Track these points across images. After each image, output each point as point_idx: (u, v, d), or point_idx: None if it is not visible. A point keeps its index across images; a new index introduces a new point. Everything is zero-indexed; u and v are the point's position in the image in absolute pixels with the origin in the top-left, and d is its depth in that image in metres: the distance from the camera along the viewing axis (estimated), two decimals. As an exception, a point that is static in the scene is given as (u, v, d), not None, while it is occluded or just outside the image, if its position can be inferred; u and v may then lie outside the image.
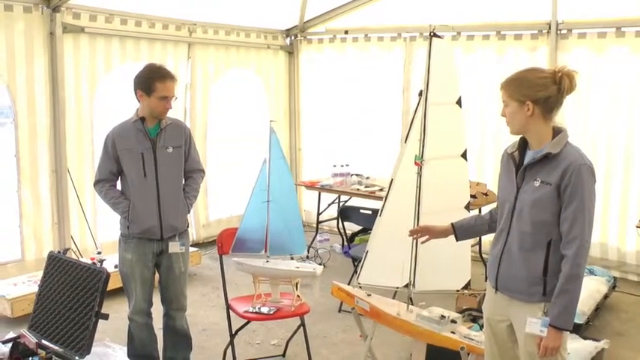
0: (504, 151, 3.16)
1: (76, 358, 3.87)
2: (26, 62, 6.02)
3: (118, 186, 4.29)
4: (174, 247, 4.22)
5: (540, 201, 2.86)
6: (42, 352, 3.91)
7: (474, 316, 4.99)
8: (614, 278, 6.26)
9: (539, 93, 2.83)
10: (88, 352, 3.90)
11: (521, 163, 2.99)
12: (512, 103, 2.90)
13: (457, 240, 3.44)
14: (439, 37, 3.91)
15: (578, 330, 4.93)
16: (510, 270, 3.00)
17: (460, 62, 7.05)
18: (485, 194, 6.45)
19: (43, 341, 4.01)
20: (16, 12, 5.89)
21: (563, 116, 6.83)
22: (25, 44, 5.99)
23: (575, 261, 2.79)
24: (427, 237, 3.49)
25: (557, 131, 2.92)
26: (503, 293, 3.05)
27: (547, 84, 2.83)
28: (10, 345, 3.97)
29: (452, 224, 3.41)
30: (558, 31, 6.85)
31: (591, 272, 6.10)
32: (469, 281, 4.16)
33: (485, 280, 6.26)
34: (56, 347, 3.95)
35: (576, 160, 2.81)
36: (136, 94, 4.10)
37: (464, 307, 5.11)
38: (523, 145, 3.02)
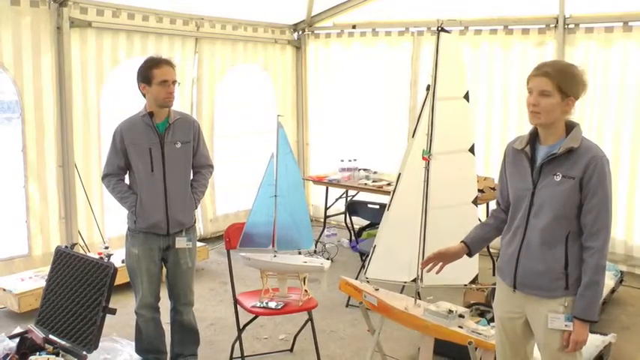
0: (509, 146, 3.16)
1: (84, 352, 3.87)
2: (33, 57, 6.02)
3: (126, 180, 4.30)
4: (180, 242, 4.23)
5: (563, 195, 2.86)
6: (49, 347, 3.90)
7: (481, 310, 4.98)
8: (622, 272, 6.25)
9: (581, 91, 2.91)
10: (96, 347, 3.90)
11: (533, 159, 2.98)
12: (557, 95, 2.86)
13: (471, 256, 3.37)
14: (447, 31, 3.89)
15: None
16: (531, 267, 2.98)
17: (467, 57, 7.04)
18: (493, 189, 6.42)
19: (51, 336, 4.01)
20: (23, 6, 5.88)
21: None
22: (32, 39, 5.99)
23: (602, 252, 2.83)
24: (441, 264, 3.38)
25: (570, 125, 2.94)
26: (522, 291, 3.02)
27: (586, 84, 2.93)
28: (17, 340, 3.98)
29: (464, 241, 3.34)
30: (566, 26, 6.82)
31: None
32: (477, 276, 4.16)
33: (493, 275, 6.28)
34: (63, 342, 3.96)
35: (597, 153, 2.86)
36: (139, 88, 4.13)
37: (471, 302, 5.10)
38: (533, 140, 3.01)
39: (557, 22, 6.83)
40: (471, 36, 7.35)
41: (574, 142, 2.86)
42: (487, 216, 6.39)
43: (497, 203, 3.31)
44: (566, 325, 2.86)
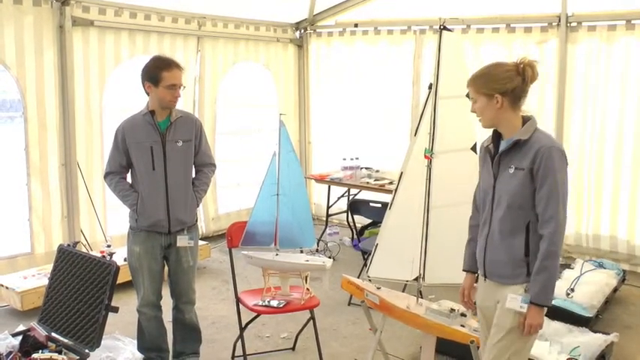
0: (481, 145, 3.26)
1: (86, 350, 3.88)
2: (35, 55, 6.03)
3: (129, 179, 4.30)
4: (182, 240, 4.23)
5: (516, 186, 2.97)
6: (52, 345, 3.92)
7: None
8: (624, 271, 6.24)
9: (505, 85, 2.96)
10: (98, 345, 3.92)
11: (496, 154, 3.09)
12: (481, 98, 3.02)
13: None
14: (449, 30, 3.89)
15: (587, 323, 4.93)
16: (495, 256, 3.10)
17: (469, 55, 7.04)
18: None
19: (53, 334, 4.03)
20: (25, 5, 5.89)
21: (572, 108, 6.84)
22: (35, 37, 6.00)
23: (552, 239, 2.90)
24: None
25: (526, 119, 3.04)
26: (492, 280, 3.14)
27: (512, 76, 2.97)
28: (20, 338, 4.00)
29: (466, 270, 3.39)
30: (568, 24, 6.80)
31: (601, 265, 6.09)
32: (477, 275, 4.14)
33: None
34: (66, 340, 3.97)
35: (546, 143, 2.93)
36: (143, 86, 4.11)
37: (473, 301, 5.09)
38: (497, 137, 3.11)
39: (559, 21, 6.82)
40: (473, 34, 7.34)
41: (522, 135, 2.97)
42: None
43: (475, 207, 3.37)
44: (521, 307, 2.95)
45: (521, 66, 2.96)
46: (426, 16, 7.49)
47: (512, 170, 2.99)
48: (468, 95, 3.94)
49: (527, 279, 2.97)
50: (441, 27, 3.86)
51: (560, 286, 5.33)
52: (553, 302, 4.86)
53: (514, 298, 2.97)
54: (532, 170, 2.92)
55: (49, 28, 6.10)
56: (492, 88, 2.97)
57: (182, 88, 4.14)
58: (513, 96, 2.97)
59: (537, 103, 6.89)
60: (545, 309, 2.96)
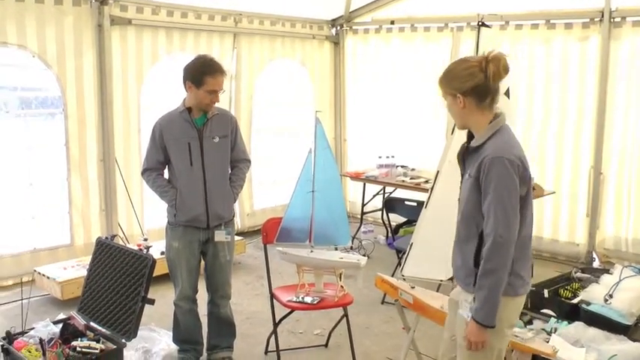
0: None
1: (123, 340, 3.95)
2: (75, 54, 6.16)
3: (166, 174, 4.34)
4: (219, 235, 4.26)
5: (467, 193, 2.85)
6: (90, 334, 4.01)
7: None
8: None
9: (465, 84, 2.80)
10: (135, 336, 3.98)
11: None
12: (447, 97, 2.90)
13: None
14: (487, 26, 3.86)
15: (626, 331, 4.79)
16: (453, 259, 3.03)
17: (508, 52, 6.94)
18: (532, 188, 6.31)
19: (92, 323, 4.11)
20: (65, 6, 6.03)
21: (613, 108, 6.68)
22: (75, 37, 6.14)
23: (487, 256, 2.72)
24: None
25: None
26: (456, 281, 3.06)
27: (473, 73, 2.79)
28: (60, 325, 4.08)
29: None
30: (611, 19, 6.62)
31: (640, 272, 5.95)
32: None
33: (531, 276, 6.18)
34: (104, 329, 4.05)
35: (492, 152, 2.74)
36: (184, 84, 4.13)
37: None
38: (469, 139, 2.96)
39: (602, 16, 6.64)
40: (511, 31, 7.21)
41: (477, 140, 2.84)
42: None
43: None
44: (467, 315, 2.83)
45: (486, 61, 2.77)
46: (464, 13, 7.39)
47: (467, 176, 2.87)
48: (506, 93, 3.94)
49: (474, 289, 2.83)
50: (479, 23, 3.82)
51: (599, 292, 5.20)
52: (591, 308, 4.83)
53: (465, 306, 2.87)
54: (478, 179, 2.77)
55: (88, 27, 6.22)
56: (453, 87, 2.85)
57: (222, 92, 4.17)
58: (476, 95, 2.80)
59: (577, 103, 6.78)
60: (487, 328, 2.75)
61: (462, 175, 2.96)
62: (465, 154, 2.93)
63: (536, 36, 7.12)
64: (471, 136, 2.95)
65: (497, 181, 2.70)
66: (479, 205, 2.79)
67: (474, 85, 2.79)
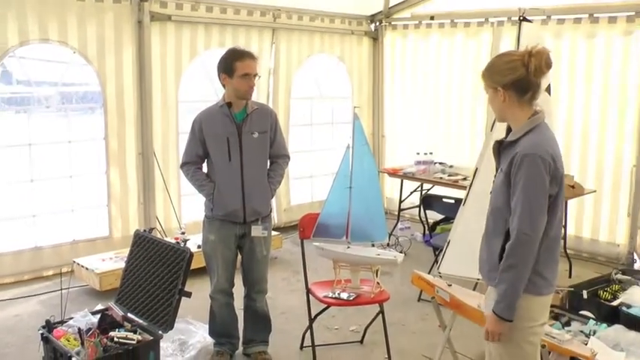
0: None
1: (160, 332, 3.98)
2: (115, 50, 6.26)
3: (204, 169, 4.37)
4: (256, 230, 4.27)
5: (497, 188, 2.87)
6: (128, 325, 4.05)
7: (555, 313, 4.84)
8: None
9: (506, 77, 2.79)
10: (171, 328, 4.02)
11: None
12: (489, 91, 2.90)
13: None
14: (529, 21, 3.78)
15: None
16: (480, 253, 3.02)
17: (550, 48, 6.80)
18: (572, 186, 6.22)
19: (129, 314, 4.15)
20: (106, 3, 6.14)
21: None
22: (115, 33, 6.24)
23: (509, 251, 2.74)
24: None
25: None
26: (480, 274, 3.07)
27: (515, 67, 2.78)
28: (98, 316, 4.14)
29: None
30: (657, 12, 6.41)
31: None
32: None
33: (569, 277, 6.10)
34: (141, 321, 4.09)
35: (525, 148, 2.74)
36: (220, 78, 4.17)
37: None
38: (508, 132, 2.96)
39: (647, 9, 6.43)
40: (553, 25, 7.04)
41: (513, 135, 2.84)
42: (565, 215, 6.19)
43: None
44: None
45: (528, 56, 2.76)
46: (505, 7, 7.26)
47: (499, 170, 2.88)
48: (547, 90, 3.87)
49: None
50: (521, 18, 3.76)
51: (639, 294, 5.10)
52: (631, 311, 4.72)
53: (489, 303, 2.89)
54: (509, 175, 2.77)
55: (128, 23, 6.31)
56: (494, 81, 2.84)
57: (257, 77, 4.18)
58: (517, 89, 2.79)
59: (619, 100, 6.61)
60: (505, 322, 2.78)
61: (496, 169, 2.97)
62: (501, 149, 2.93)
63: (579, 30, 6.94)
64: (509, 131, 2.94)
65: (526, 178, 2.70)
66: (508, 201, 2.80)
67: (515, 78, 2.78)
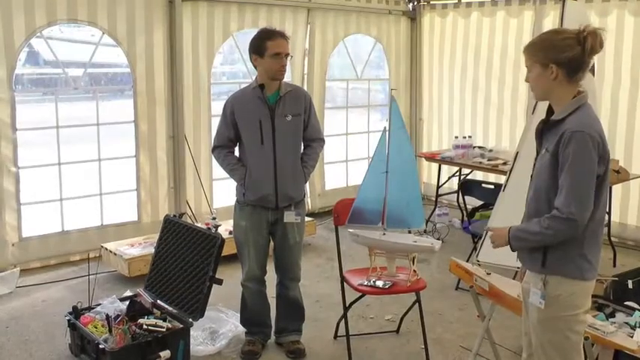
0: None
1: (190, 320, 3.92)
2: (146, 31, 6.18)
3: (236, 152, 4.29)
4: (289, 216, 4.19)
5: (543, 169, 2.79)
6: (157, 312, 4.01)
7: (599, 304, 4.66)
8: None
9: (562, 54, 2.72)
10: (202, 316, 3.97)
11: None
12: (535, 66, 2.80)
13: None
14: (573, -1, 3.58)
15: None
16: None
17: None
18: (617, 171, 5.99)
19: (159, 301, 4.12)
20: (136, -18, 6.05)
21: None
22: (145, 13, 6.16)
23: (544, 223, 2.69)
24: None
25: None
26: (519, 259, 3.00)
27: (571, 45, 2.71)
28: (127, 303, 4.10)
29: None
30: None
31: None
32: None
33: (614, 266, 5.91)
34: (170, 308, 4.04)
35: (573, 126, 2.68)
36: (251, 60, 4.10)
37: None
38: (549, 114, 2.87)
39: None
40: (598, 3, 6.77)
41: (558, 115, 2.77)
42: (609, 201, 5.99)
43: None
44: (540, 303, 2.79)
45: (583, 34, 2.69)
46: (548, -15, 7.02)
47: (543, 151, 2.80)
48: (591, 70, 3.68)
49: (543, 270, 2.78)
50: (566, -5, 3.56)
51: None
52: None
53: (535, 293, 2.82)
54: (556, 154, 2.69)
55: (158, 4, 6.23)
56: (548, 57, 2.74)
57: (289, 57, 4.09)
58: (570, 67, 2.72)
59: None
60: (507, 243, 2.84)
61: (538, 152, 2.89)
62: (544, 130, 2.85)
63: (626, 8, 6.64)
64: (550, 113, 2.87)
65: (575, 156, 2.64)
66: (554, 182, 2.72)
67: (571, 56, 2.71)
